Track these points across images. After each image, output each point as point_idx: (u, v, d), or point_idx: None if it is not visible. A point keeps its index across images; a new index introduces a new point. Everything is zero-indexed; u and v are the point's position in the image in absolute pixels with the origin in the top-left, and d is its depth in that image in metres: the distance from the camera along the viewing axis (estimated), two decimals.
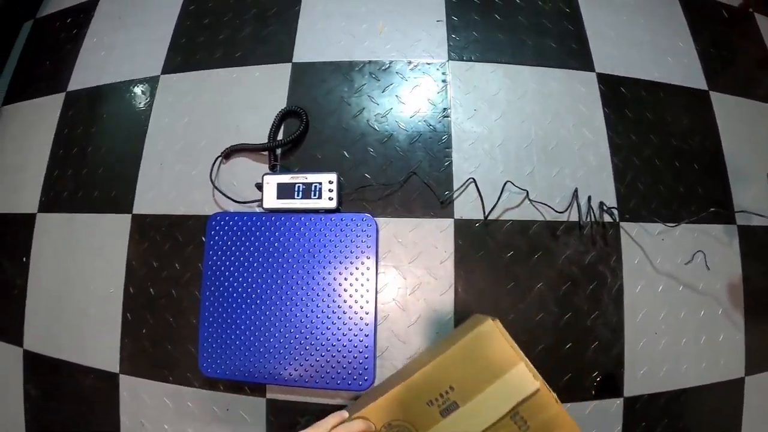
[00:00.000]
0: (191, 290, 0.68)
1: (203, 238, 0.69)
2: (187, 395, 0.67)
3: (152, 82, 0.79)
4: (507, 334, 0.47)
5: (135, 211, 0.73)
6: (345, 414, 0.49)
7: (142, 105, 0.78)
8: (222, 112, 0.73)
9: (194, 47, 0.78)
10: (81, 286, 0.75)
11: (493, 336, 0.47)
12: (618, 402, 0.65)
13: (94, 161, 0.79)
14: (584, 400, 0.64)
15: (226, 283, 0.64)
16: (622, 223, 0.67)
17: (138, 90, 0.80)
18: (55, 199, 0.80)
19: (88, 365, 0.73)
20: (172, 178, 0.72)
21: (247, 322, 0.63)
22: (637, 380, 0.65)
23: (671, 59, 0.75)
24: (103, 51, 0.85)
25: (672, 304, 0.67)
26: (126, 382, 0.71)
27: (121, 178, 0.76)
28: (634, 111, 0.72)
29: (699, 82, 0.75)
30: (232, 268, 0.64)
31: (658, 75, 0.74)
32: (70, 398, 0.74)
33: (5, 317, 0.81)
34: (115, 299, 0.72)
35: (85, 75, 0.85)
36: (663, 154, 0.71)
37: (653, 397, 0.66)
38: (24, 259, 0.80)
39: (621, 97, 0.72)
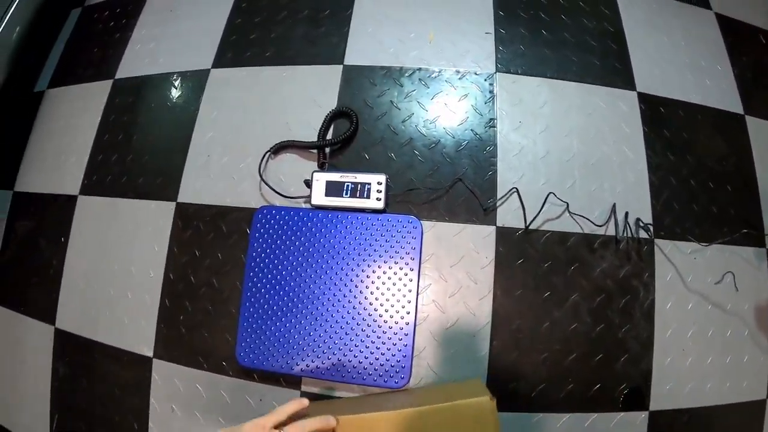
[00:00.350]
0: (232, 281, 0.70)
1: (248, 230, 0.70)
2: (221, 383, 0.68)
3: (201, 76, 0.81)
4: (497, 417, 0.46)
5: (180, 199, 0.75)
6: (305, 402, 0.48)
7: (190, 97, 0.80)
8: (272, 109, 0.75)
9: (245, 44, 0.80)
10: (120, 269, 0.77)
11: (485, 414, 0.46)
12: (643, 415, 0.66)
13: (140, 149, 0.81)
14: (611, 411, 0.65)
15: (269, 275, 0.66)
16: (656, 240, 0.69)
17: (187, 82, 0.82)
18: (98, 182, 0.82)
19: (121, 347, 0.74)
20: (220, 170, 0.74)
21: (288, 314, 0.64)
22: (663, 395, 0.67)
23: (709, 82, 0.77)
24: (152, 42, 0.87)
25: (700, 322, 0.69)
26: (159, 367, 0.72)
27: (167, 167, 0.78)
28: (672, 131, 0.74)
29: (735, 105, 0.77)
30: (276, 261, 0.66)
31: (696, 97, 0.77)
32: (100, 378, 0.75)
33: (39, 296, 0.82)
34: (154, 284, 0.74)
35: (133, 64, 0.87)
36: (698, 174, 0.73)
37: (677, 413, 0.67)
38: (62, 239, 0.82)
39: (660, 116, 0.74)
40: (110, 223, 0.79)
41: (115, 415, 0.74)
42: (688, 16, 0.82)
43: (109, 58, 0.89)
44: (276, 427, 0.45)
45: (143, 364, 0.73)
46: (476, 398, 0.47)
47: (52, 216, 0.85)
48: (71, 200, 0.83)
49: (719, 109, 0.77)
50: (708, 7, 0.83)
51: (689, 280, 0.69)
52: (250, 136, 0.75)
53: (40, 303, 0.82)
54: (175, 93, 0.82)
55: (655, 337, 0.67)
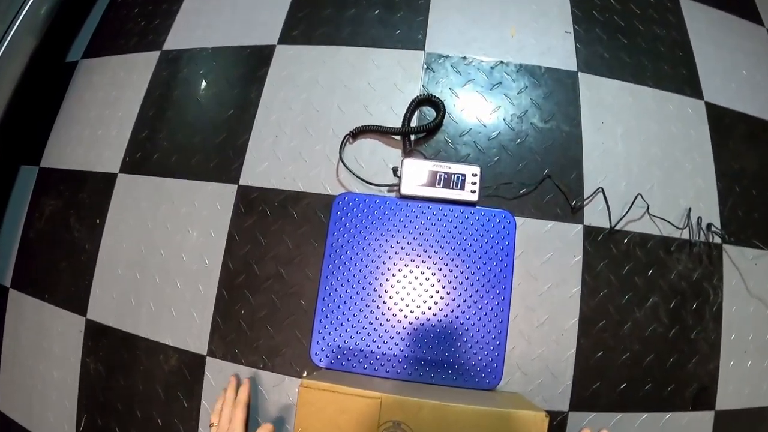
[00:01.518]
0: (304, 272, 0.65)
1: (323, 218, 0.65)
2: (288, 386, 0.63)
3: (266, 51, 0.75)
4: None
5: (242, 182, 0.69)
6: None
7: (253, 75, 0.74)
8: (349, 92, 0.71)
9: (317, 21, 0.75)
10: (168, 257, 0.69)
11: (538, 429, 0.45)
12: (710, 415, 0.68)
13: (192, 126, 0.74)
14: (683, 411, 0.67)
15: (350, 267, 0.62)
16: (725, 245, 0.71)
17: (249, 58, 0.75)
18: (142, 160, 0.74)
19: (168, 343, 0.67)
20: (289, 152, 0.69)
21: (370, 310, 0.60)
22: (728, 395, 0.69)
23: (764, 96, 0.81)
24: (205, 12, 0.80)
25: (759, 326, 0.72)
26: (214, 366, 0.65)
27: (226, 147, 0.71)
28: (735, 141, 0.77)
29: None
30: (358, 252, 0.62)
31: (753, 109, 0.80)
32: (141, 377, 0.68)
33: (68, 283, 0.73)
34: (209, 274, 0.67)
35: (185, 35, 0.79)
36: (758, 184, 0.76)
37: (738, 413, 0.69)
38: (98, 221, 0.73)
39: (724, 127, 0.77)
40: (157, 206, 0.71)
41: (158, 418, 0.66)
42: (743, 31, 0.86)
43: (156, 28, 0.81)
44: None
45: (195, 361, 0.66)
46: (534, 412, 0.46)
47: (86, 195, 0.76)
48: (109, 179, 0.74)
49: None
50: (761, 23, 0.88)
51: (751, 285, 0.72)
52: (324, 118, 0.70)
53: (69, 291, 0.73)
54: (234, 69, 0.75)
55: (722, 340, 0.69)
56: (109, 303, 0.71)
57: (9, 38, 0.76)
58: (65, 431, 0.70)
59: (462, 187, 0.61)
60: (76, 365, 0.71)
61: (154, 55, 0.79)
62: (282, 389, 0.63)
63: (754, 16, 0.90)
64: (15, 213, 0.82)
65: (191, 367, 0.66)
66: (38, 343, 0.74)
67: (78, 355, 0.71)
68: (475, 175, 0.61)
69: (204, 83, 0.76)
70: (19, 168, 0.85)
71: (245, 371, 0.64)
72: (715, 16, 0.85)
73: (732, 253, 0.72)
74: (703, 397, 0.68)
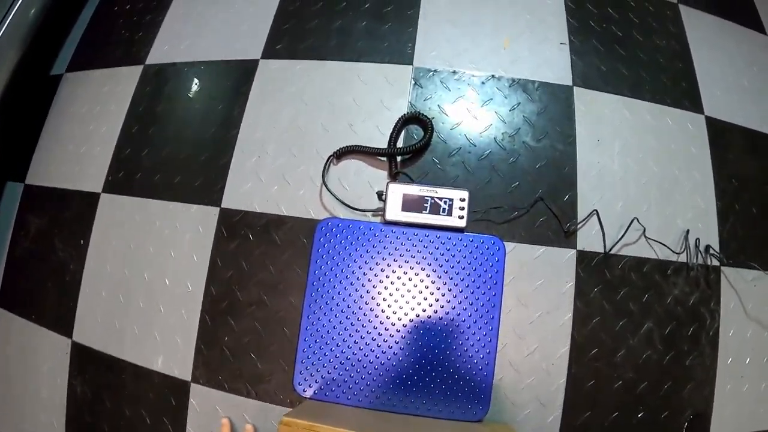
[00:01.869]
0: (287, 299, 0.63)
1: (305, 242, 0.64)
2: (272, 414, 0.62)
3: (249, 66, 0.72)
4: None
5: (224, 204, 0.67)
6: None
7: (235, 90, 0.72)
8: (333, 109, 0.68)
9: (302, 34, 0.72)
10: (151, 280, 0.68)
11: None
12: None
13: (175, 144, 0.72)
14: None
15: (334, 295, 0.60)
16: (723, 268, 0.69)
17: (232, 72, 0.73)
18: (125, 179, 0.72)
19: (152, 368, 0.66)
20: (272, 173, 0.67)
21: (355, 339, 0.59)
22: (723, 421, 0.67)
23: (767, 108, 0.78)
24: (189, 25, 0.78)
25: (757, 349, 0.70)
26: (198, 393, 0.64)
27: (208, 166, 0.69)
28: (736, 156, 0.74)
29: None
30: (342, 280, 0.60)
31: (755, 123, 0.77)
32: (127, 401, 0.67)
33: (54, 304, 0.72)
34: (192, 299, 0.66)
35: (169, 49, 0.77)
36: (758, 201, 0.73)
37: None
38: (81, 242, 0.71)
39: (725, 142, 0.74)
40: (140, 228, 0.70)
41: None
42: (745, 40, 0.82)
43: (140, 41, 0.79)
44: None
45: (179, 387, 0.65)
46: None
47: (69, 215, 0.74)
48: (93, 198, 0.72)
49: None
50: (764, 32, 0.84)
51: (749, 308, 0.70)
52: (308, 137, 0.67)
53: (56, 311, 0.72)
54: (217, 83, 0.73)
55: (718, 364, 0.67)
56: (94, 325, 0.70)
57: None
58: None
59: (449, 213, 0.59)
60: (63, 386, 0.70)
61: (137, 69, 0.76)
62: (267, 417, 0.62)
63: (755, 24, 0.86)
64: (1, 230, 0.81)
65: (176, 393, 0.65)
66: (26, 363, 0.74)
67: (65, 376, 0.70)
68: (463, 200, 0.59)
69: (187, 98, 0.73)
70: (5, 184, 0.84)
71: (231, 399, 0.63)
72: (716, 24, 0.81)
73: (730, 276, 0.70)
74: (697, 424, 0.67)
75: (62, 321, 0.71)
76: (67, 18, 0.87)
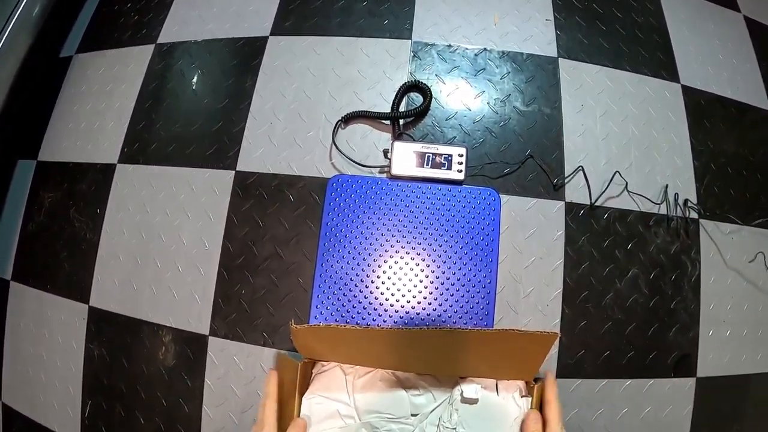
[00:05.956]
0: (300, 252, 0.68)
1: (317, 199, 0.68)
2: None
3: (258, 43, 0.78)
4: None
5: (239, 168, 0.72)
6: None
7: (246, 65, 0.77)
8: (340, 80, 0.74)
9: (308, 12, 0.78)
10: (168, 241, 0.72)
11: (546, 341, 0.44)
12: (691, 382, 0.71)
13: (189, 116, 0.76)
14: (665, 378, 0.70)
15: (345, 246, 0.65)
16: (701, 220, 0.75)
17: (242, 49, 0.78)
18: (140, 150, 0.77)
19: (170, 325, 0.70)
20: (284, 138, 0.72)
21: (365, 285, 0.63)
22: (707, 364, 0.72)
23: (740, 78, 0.85)
24: (200, 4, 0.83)
25: (737, 296, 0.75)
26: (216, 345, 0.68)
27: (222, 135, 0.74)
28: (711, 122, 0.80)
29: (763, 101, 0.85)
30: (351, 231, 0.65)
31: (731, 92, 0.84)
32: (144, 360, 0.70)
33: (70, 273, 0.75)
34: (209, 256, 0.70)
35: (177, 29, 0.82)
36: (734, 163, 0.80)
37: (718, 380, 0.72)
38: (98, 211, 0.75)
39: (700, 108, 0.80)
40: (156, 193, 0.74)
41: (162, 399, 0.69)
42: (720, 18, 0.90)
43: (150, 22, 0.84)
44: None
45: (197, 341, 0.68)
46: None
47: (85, 186, 0.78)
48: (108, 169, 0.77)
49: (748, 104, 0.84)
50: (737, 9, 0.92)
51: (728, 258, 0.75)
52: (317, 105, 0.73)
53: (71, 280, 0.75)
54: (228, 60, 0.78)
55: (701, 310, 0.73)
56: (111, 289, 0.73)
57: (4, 37, 0.78)
58: (70, 417, 0.72)
59: (449, 167, 0.64)
60: (80, 352, 0.73)
61: (148, 49, 0.81)
62: None
63: (730, 3, 0.93)
64: (14, 207, 0.84)
65: (194, 347, 0.68)
66: (41, 333, 0.76)
67: (81, 342, 0.73)
68: (461, 156, 0.65)
69: (199, 74, 0.79)
70: (17, 162, 0.87)
71: (248, 349, 0.67)
72: (692, 2, 0.89)
73: (709, 228, 0.75)
74: (684, 365, 0.71)
75: (79, 288, 0.74)
76: (76, 1, 0.91)
